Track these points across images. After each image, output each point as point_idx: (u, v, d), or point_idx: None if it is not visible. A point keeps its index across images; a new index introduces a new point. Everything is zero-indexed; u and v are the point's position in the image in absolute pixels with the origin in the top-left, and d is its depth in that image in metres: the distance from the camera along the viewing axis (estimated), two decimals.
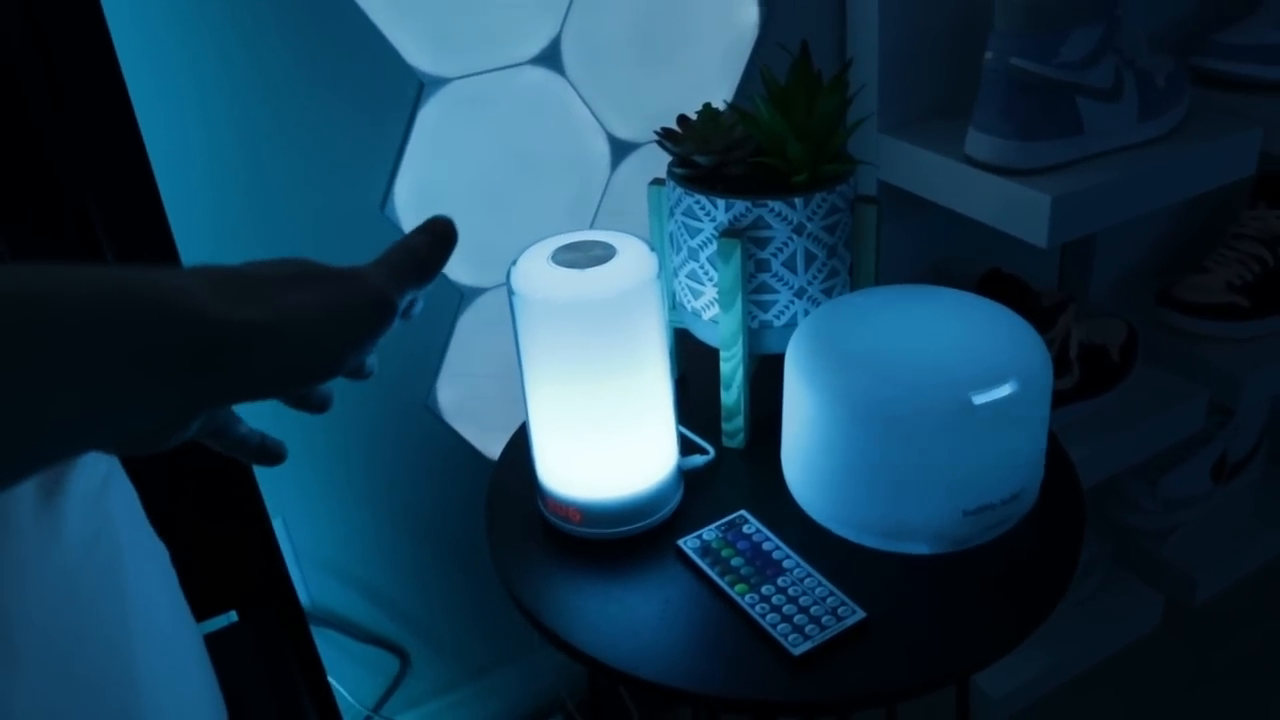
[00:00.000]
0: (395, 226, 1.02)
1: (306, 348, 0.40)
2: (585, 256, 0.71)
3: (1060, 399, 1.23)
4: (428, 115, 0.99)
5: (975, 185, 1.07)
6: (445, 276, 1.07)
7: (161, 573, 0.71)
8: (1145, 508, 1.53)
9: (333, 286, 0.42)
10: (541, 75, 1.04)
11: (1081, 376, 1.26)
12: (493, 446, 1.17)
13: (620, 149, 1.11)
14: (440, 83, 0.99)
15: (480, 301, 1.10)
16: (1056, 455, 0.83)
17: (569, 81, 1.05)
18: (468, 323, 1.10)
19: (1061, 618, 1.48)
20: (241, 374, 0.38)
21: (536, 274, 0.71)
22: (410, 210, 1.02)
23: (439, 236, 0.51)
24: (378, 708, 1.28)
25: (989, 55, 1.01)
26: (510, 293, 0.72)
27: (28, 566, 0.55)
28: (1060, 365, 1.22)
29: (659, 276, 0.72)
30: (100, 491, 0.65)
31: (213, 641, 0.81)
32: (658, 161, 0.88)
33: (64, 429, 0.33)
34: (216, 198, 0.94)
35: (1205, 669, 1.52)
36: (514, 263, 0.73)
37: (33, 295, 0.32)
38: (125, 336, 0.34)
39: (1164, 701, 1.47)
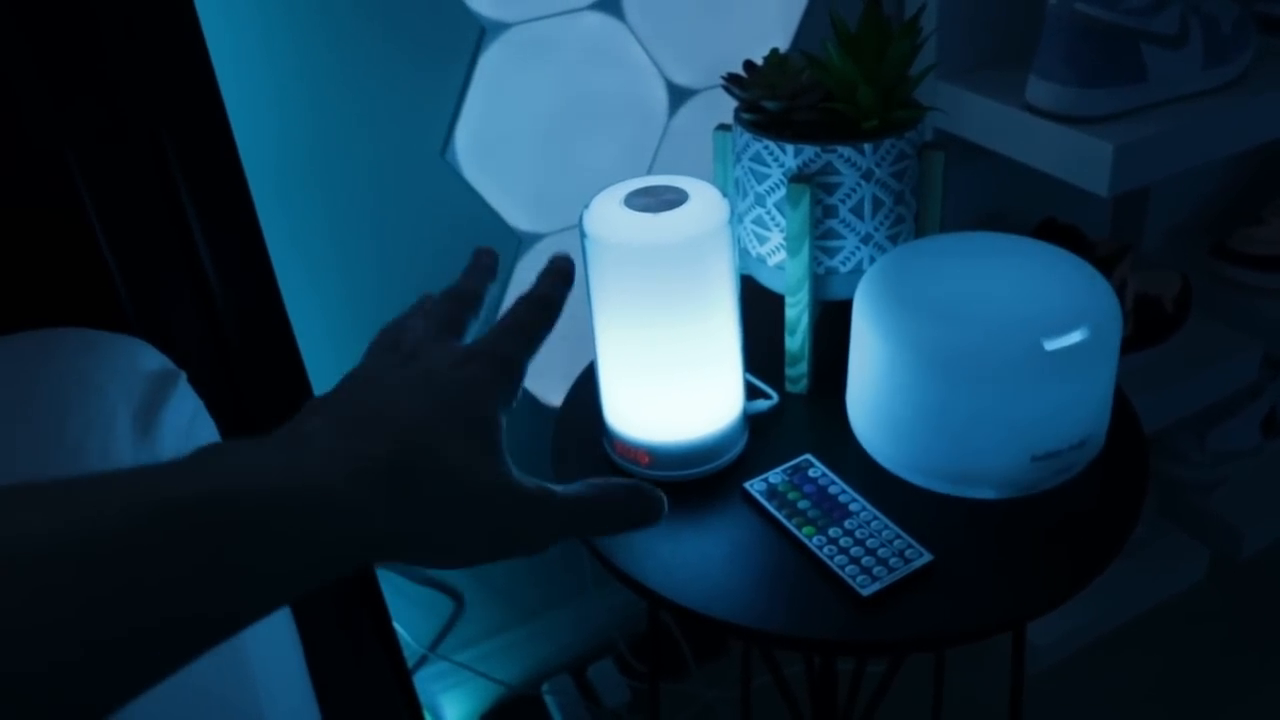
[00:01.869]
0: (455, 172, 1.03)
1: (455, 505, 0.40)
2: (658, 201, 0.72)
3: None
4: (488, 60, 1.00)
5: (1036, 133, 1.06)
6: (503, 222, 1.08)
7: None
8: (1193, 460, 1.53)
9: (457, 398, 0.42)
10: (600, 20, 1.04)
11: (1135, 327, 1.25)
12: (549, 393, 1.19)
13: (678, 95, 1.11)
14: (501, 28, 0.99)
15: (538, 247, 1.11)
16: (1120, 403, 0.83)
17: (628, 27, 1.05)
18: (525, 268, 1.11)
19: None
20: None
21: (610, 218, 0.72)
22: (470, 155, 1.03)
23: (560, 275, 0.53)
24: (433, 647, 1.31)
25: (1053, 1, 1.00)
26: (582, 235, 0.72)
27: None
28: None
29: (730, 221, 0.72)
30: (189, 427, 0.67)
31: None
32: (715, 108, 0.88)
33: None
34: (282, 140, 0.95)
35: (1249, 623, 1.52)
36: (586, 206, 0.73)
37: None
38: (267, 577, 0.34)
39: (1207, 654, 1.47)
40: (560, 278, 0.53)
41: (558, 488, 0.43)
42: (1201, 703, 1.41)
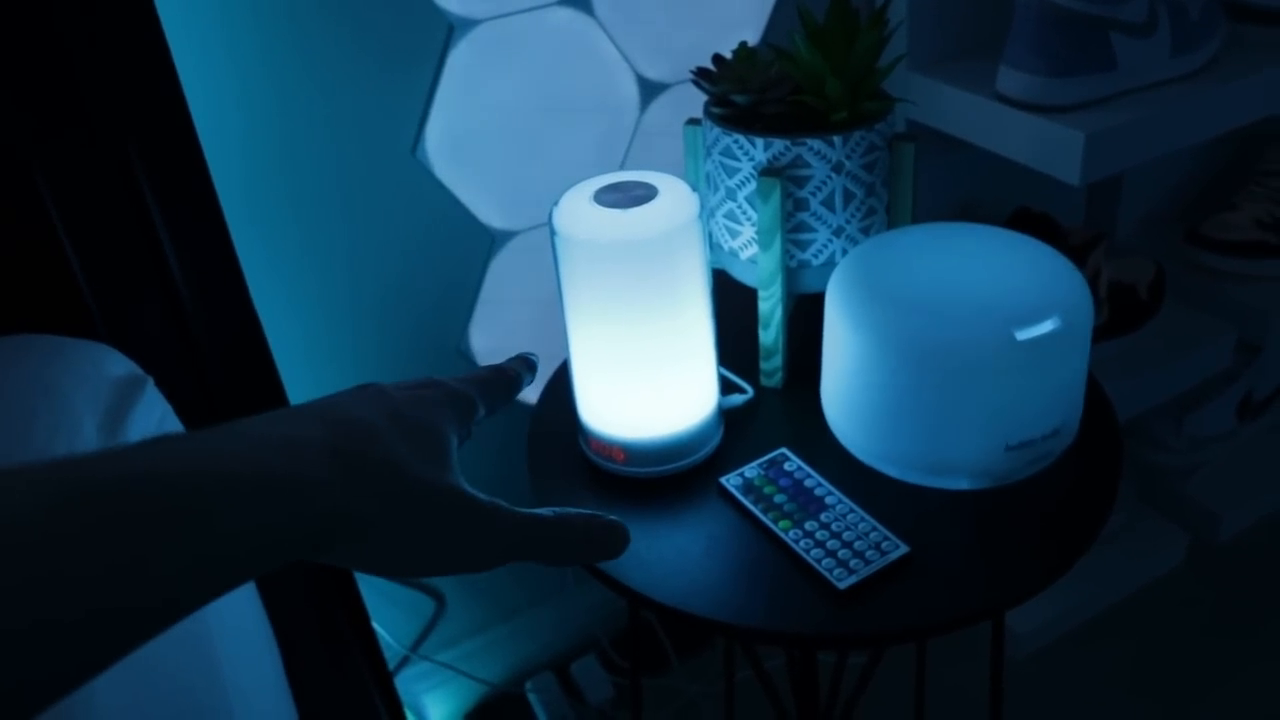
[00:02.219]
0: (426, 170, 1.02)
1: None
2: (627, 197, 0.71)
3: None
4: (457, 58, 0.99)
5: (1007, 123, 1.06)
6: (475, 219, 1.07)
7: None
8: (1170, 446, 1.54)
9: (408, 411, 0.42)
10: (570, 16, 1.03)
11: (1110, 315, 1.26)
12: (526, 391, 1.18)
13: (649, 90, 1.11)
14: (470, 24, 0.98)
15: (512, 244, 1.10)
16: (1093, 391, 0.84)
17: (598, 21, 1.04)
18: (499, 266, 1.11)
19: (1086, 555, 1.49)
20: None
21: (579, 214, 0.71)
22: (441, 154, 1.02)
23: (526, 365, 0.57)
24: (415, 647, 1.31)
25: None
26: (552, 233, 0.72)
27: None
28: None
29: (700, 216, 0.72)
30: (157, 431, 0.66)
31: (259, 582, 0.83)
32: (686, 103, 0.87)
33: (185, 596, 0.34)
34: (248, 142, 0.94)
35: (1229, 606, 1.53)
36: (556, 203, 0.73)
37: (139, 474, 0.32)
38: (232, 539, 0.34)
39: (1188, 637, 1.48)
40: (525, 366, 0.57)
41: (511, 508, 0.43)
42: (1183, 686, 1.42)
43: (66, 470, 0.31)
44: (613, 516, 0.46)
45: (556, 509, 0.45)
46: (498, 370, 0.53)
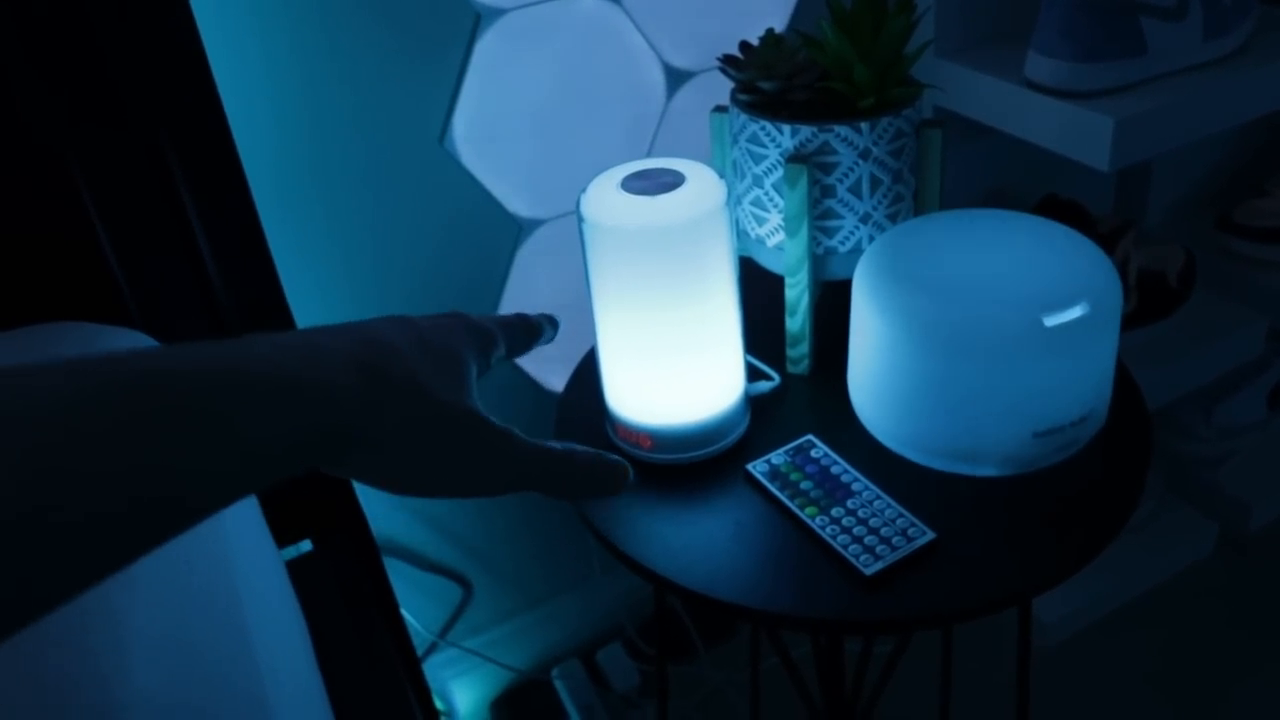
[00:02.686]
0: (453, 159, 1.03)
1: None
2: (655, 184, 0.72)
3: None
4: (485, 47, 0.99)
5: (1035, 109, 1.06)
6: (503, 208, 1.08)
7: (249, 501, 0.73)
8: (1199, 435, 1.53)
9: (428, 335, 0.43)
10: (596, 4, 1.03)
11: (1139, 302, 1.25)
12: (551, 379, 1.19)
13: (675, 78, 1.11)
14: (497, 13, 0.99)
15: (539, 233, 1.11)
16: (1122, 378, 0.83)
17: (624, 10, 1.05)
18: (526, 254, 1.11)
19: (1114, 544, 1.48)
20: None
21: (607, 201, 0.72)
22: (468, 143, 1.03)
23: (550, 320, 0.56)
24: (443, 634, 1.32)
25: None
26: (580, 220, 0.72)
27: None
28: None
29: (728, 203, 0.72)
30: None
31: (291, 569, 0.84)
32: (713, 90, 0.87)
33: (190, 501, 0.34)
34: (279, 133, 0.95)
35: (1258, 597, 1.52)
36: (584, 190, 0.73)
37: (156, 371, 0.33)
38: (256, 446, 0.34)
39: (1215, 628, 1.47)
40: (549, 321, 0.56)
41: (524, 436, 0.44)
42: (1211, 676, 1.41)
43: (91, 366, 0.31)
44: (615, 457, 0.48)
45: (566, 443, 0.46)
46: (521, 316, 0.54)
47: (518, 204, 1.08)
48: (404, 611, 1.17)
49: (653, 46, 1.08)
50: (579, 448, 0.46)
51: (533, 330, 0.54)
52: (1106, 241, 1.20)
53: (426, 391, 0.40)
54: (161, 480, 0.31)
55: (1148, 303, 1.26)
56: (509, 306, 1.13)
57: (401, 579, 1.23)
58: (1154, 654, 1.45)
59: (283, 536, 0.95)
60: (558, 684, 1.41)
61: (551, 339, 0.56)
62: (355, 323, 0.42)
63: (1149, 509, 1.54)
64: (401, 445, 0.39)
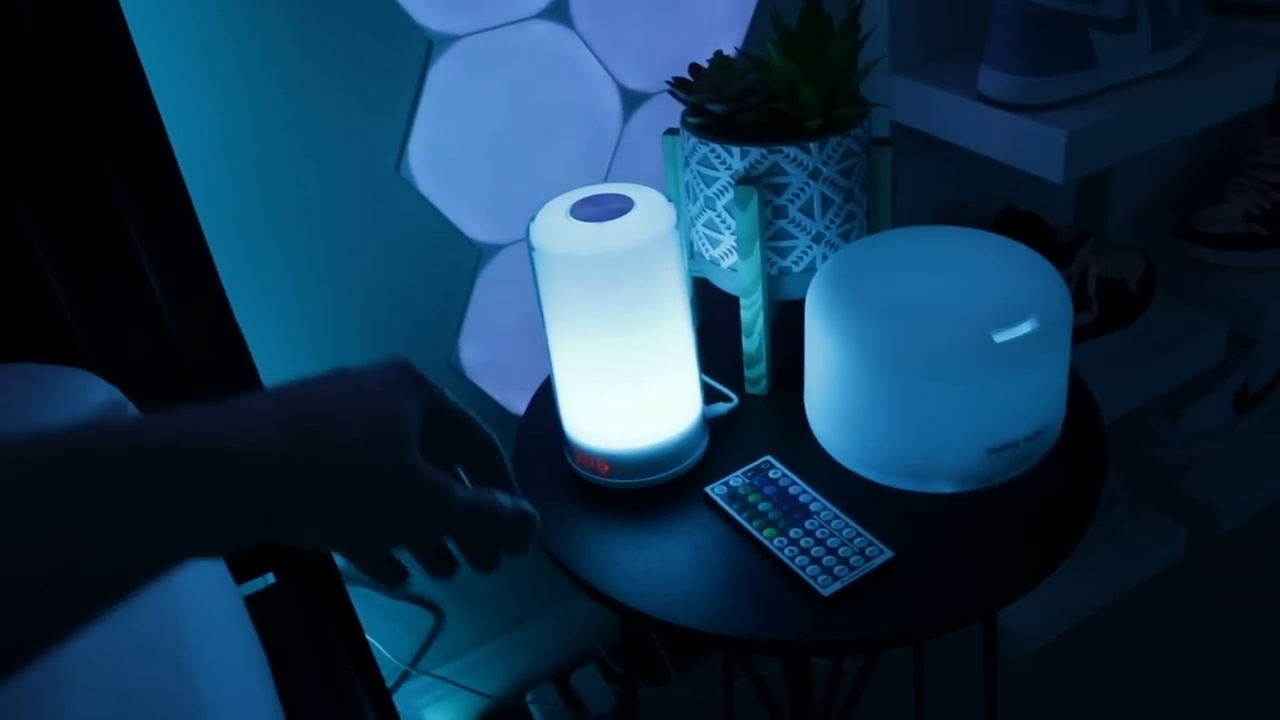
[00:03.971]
0: (410, 186, 1.02)
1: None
2: (604, 209, 0.72)
3: (1079, 334, 1.23)
4: (438, 74, 0.99)
5: (989, 123, 1.06)
6: (461, 234, 1.08)
7: None
8: (1167, 440, 1.54)
9: (365, 389, 0.42)
10: (550, 29, 1.03)
11: (1100, 311, 1.26)
12: (516, 402, 1.18)
13: (632, 100, 1.11)
14: (450, 40, 0.99)
15: (499, 258, 1.11)
16: (1078, 391, 0.84)
17: (578, 34, 1.05)
18: (487, 280, 1.11)
19: (1085, 552, 1.49)
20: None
21: (556, 229, 0.72)
22: (425, 169, 1.03)
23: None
24: (414, 662, 1.31)
25: None
26: (530, 248, 0.72)
27: None
28: (1078, 301, 1.22)
29: (677, 227, 0.72)
30: None
31: (252, 603, 0.83)
32: (670, 111, 0.87)
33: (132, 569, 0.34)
34: (230, 163, 0.94)
35: (1229, 600, 1.53)
36: (533, 219, 0.73)
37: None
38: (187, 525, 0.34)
39: (1188, 634, 1.48)
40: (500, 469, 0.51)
41: (461, 488, 0.43)
42: (1185, 682, 1.41)
43: (12, 444, 0.32)
44: (527, 507, 0.47)
45: (493, 493, 0.45)
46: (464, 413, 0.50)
47: (476, 229, 1.08)
48: (374, 641, 1.17)
49: (607, 69, 1.08)
50: (501, 497, 0.46)
51: (491, 467, 0.50)
52: (1065, 252, 1.21)
53: (358, 449, 0.39)
54: (89, 548, 0.31)
55: (1109, 311, 1.27)
56: (471, 331, 1.13)
57: (371, 608, 1.22)
58: (1128, 661, 1.45)
59: (243, 571, 0.94)
60: (533, 709, 1.40)
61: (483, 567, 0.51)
62: (289, 383, 0.41)
63: (1119, 515, 1.54)
64: (331, 503, 0.38)
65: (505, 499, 0.46)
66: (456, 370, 1.15)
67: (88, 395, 0.68)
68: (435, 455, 0.44)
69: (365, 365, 0.45)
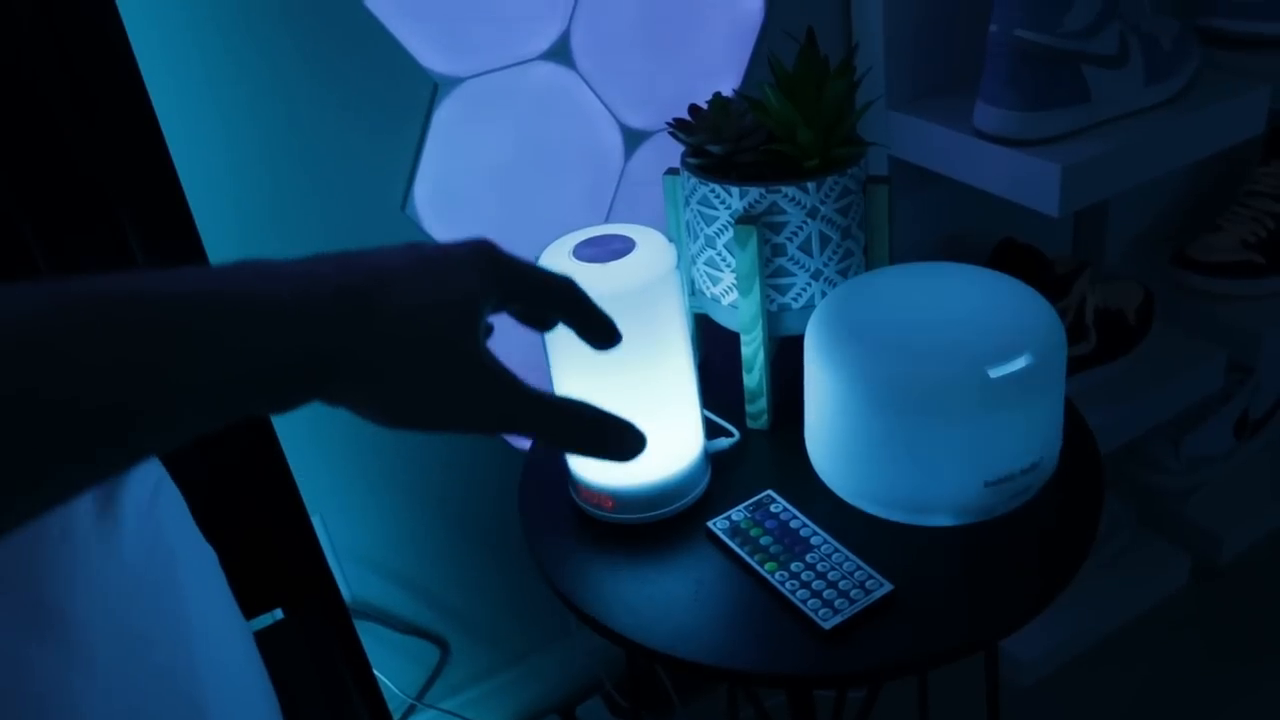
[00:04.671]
0: (416, 226, 1.04)
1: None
2: (606, 250, 0.73)
3: (1078, 364, 1.25)
4: (443, 115, 1.01)
5: (985, 157, 1.08)
6: None
7: (212, 574, 0.73)
8: (1169, 467, 1.54)
9: (436, 261, 0.41)
10: (552, 70, 1.05)
11: (1099, 341, 1.27)
12: (519, 438, 1.20)
13: (633, 138, 1.13)
14: (454, 83, 1.01)
15: None
16: (1074, 423, 0.85)
17: (580, 74, 1.07)
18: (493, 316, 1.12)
19: (1089, 580, 1.49)
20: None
21: (559, 268, 0.73)
22: (430, 209, 1.04)
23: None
24: (420, 696, 1.31)
25: (993, 28, 1.02)
26: None
27: (93, 575, 0.57)
28: (1077, 331, 1.24)
29: (678, 266, 0.74)
30: (151, 500, 0.68)
31: (262, 639, 0.84)
32: (671, 148, 0.89)
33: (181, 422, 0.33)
34: (240, 206, 0.96)
35: (1234, 627, 1.53)
36: (536, 260, 0.75)
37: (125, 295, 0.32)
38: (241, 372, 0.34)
39: (1193, 660, 1.48)
40: (607, 330, 0.51)
41: (525, 382, 0.42)
42: (1191, 709, 1.41)
43: (77, 283, 0.31)
44: (629, 422, 0.45)
45: (576, 400, 0.44)
46: (569, 286, 0.49)
47: None
48: (380, 675, 1.17)
49: (609, 109, 1.10)
50: (588, 405, 0.44)
51: (578, 309, 0.48)
52: (1063, 283, 1.22)
53: (417, 320, 0.38)
54: (144, 385, 0.31)
55: (1108, 341, 1.28)
56: None
57: (377, 642, 1.23)
58: (1133, 688, 1.45)
59: (252, 607, 0.95)
60: None
61: (605, 348, 0.50)
62: (357, 250, 0.40)
63: (1122, 542, 1.55)
64: (388, 372, 0.37)
65: (591, 406, 0.44)
66: None
67: None
68: (524, 316, 0.44)
69: (442, 242, 0.44)
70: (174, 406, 0.32)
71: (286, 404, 0.36)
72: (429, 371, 0.39)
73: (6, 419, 0.28)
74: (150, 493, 0.69)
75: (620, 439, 0.45)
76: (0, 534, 0.30)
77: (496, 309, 0.44)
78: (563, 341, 0.75)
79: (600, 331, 0.49)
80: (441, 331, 0.39)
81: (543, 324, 0.50)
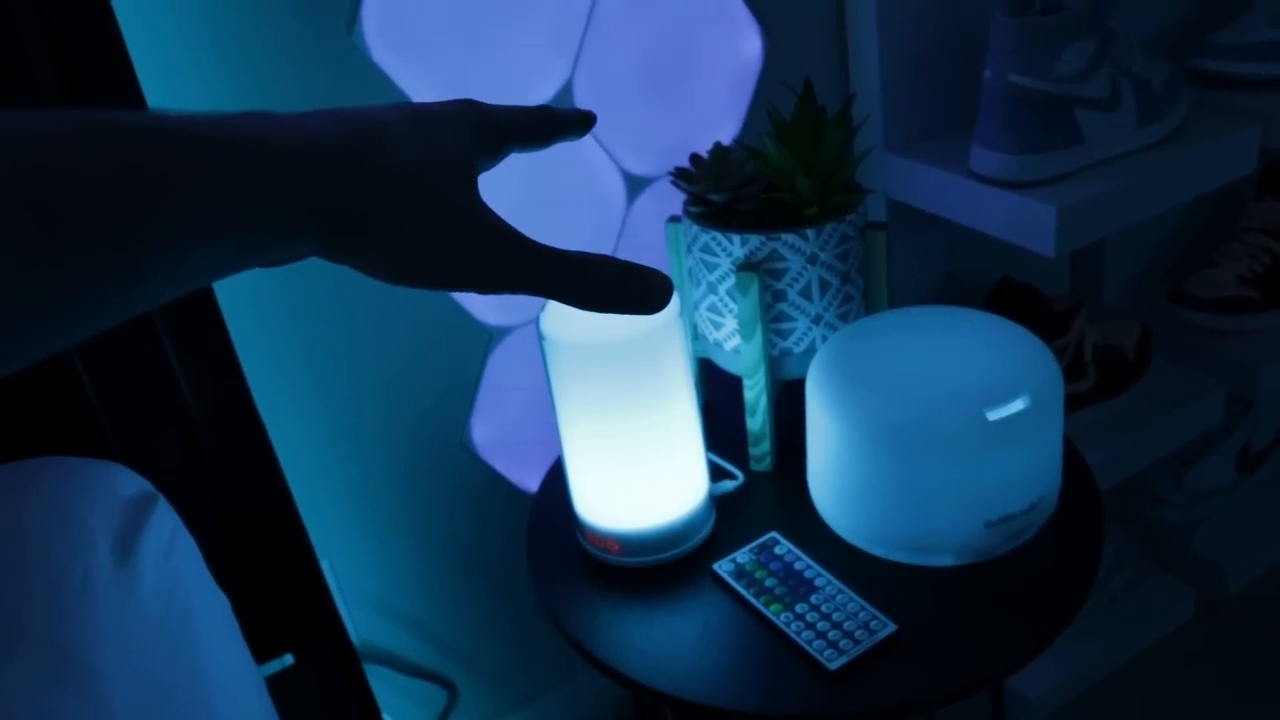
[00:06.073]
0: None
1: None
2: None
3: (1078, 402, 1.26)
4: None
5: (982, 199, 1.10)
6: (472, 317, 1.11)
7: (226, 621, 0.74)
8: (1172, 501, 1.55)
9: (427, 120, 0.40)
10: None
11: (1098, 378, 1.28)
12: (528, 480, 1.21)
13: (635, 185, 1.15)
14: None
15: (509, 340, 1.14)
16: (1074, 462, 0.86)
17: None
18: (498, 360, 1.14)
19: (1094, 615, 1.50)
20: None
21: (564, 317, 0.75)
22: None
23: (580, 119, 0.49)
24: None
25: (987, 74, 1.05)
26: (541, 338, 0.75)
27: (113, 624, 0.59)
28: (1076, 369, 1.25)
29: (681, 313, 0.75)
30: (168, 549, 0.69)
31: (273, 684, 0.85)
32: (673, 195, 0.91)
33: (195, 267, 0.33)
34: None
35: (1240, 660, 1.53)
36: (542, 308, 0.76)
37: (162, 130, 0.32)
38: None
39: (1200, 694, 1.48)
40: (580, 119, 0.50)
41: (533, 241, 0.41)
42: None
43: (88, 112, 0.31)
44: (652, 269, 0.44)
45: (593, 254, 0.43)
46: (546, 108, 0.48)
47: (486, 312, 1.12)
48: (389, 718, 1.18)
49: (611, 156, 1.12)
50: (605, 258, 0.42)
51: (558, 122, 0.48)
52: (1061, 321, 1.24)
53: (414, 172, 0.38)
54: (159, 204, 0.31)
55: (1106, 378, 1.29)
56: (483, 411, 1.16)
57: (385, 685, 1.24)
58: None
59: (263, 652, 0.96)
60: None
61: (580, 135, 0.50)
62: (347, 107, 0.40)
63: (1126, 577, 1.55)
64: (388, 223, 0.37)
65: (607, 259, 0.43)
66: (469, 449, 1.17)
67: (119, 488, 0.71)
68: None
69: (430, 103, 0.43)
70: (186, 235, 0.32)
71: (289, 251, 0.36)
72: (429, 225, 0.38)
73: (21, 230, 0.28)
74: (167, 541, 0.70)
75: (644, 286, 0.43)
76: (14, 365, 0.30)
77: (490, 164, 0.44)
78: (567, 391, 0.77)
79: (576, 126, 0.49)
80: (439, 186, 0.39)
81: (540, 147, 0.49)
